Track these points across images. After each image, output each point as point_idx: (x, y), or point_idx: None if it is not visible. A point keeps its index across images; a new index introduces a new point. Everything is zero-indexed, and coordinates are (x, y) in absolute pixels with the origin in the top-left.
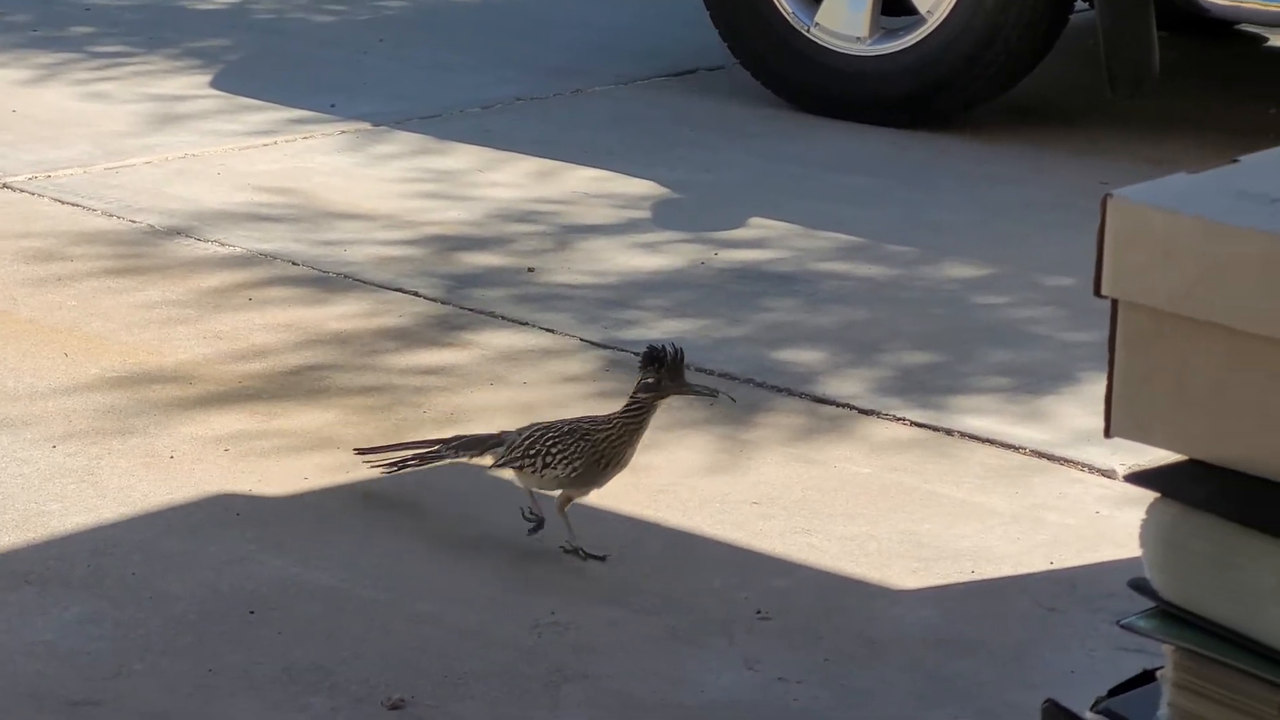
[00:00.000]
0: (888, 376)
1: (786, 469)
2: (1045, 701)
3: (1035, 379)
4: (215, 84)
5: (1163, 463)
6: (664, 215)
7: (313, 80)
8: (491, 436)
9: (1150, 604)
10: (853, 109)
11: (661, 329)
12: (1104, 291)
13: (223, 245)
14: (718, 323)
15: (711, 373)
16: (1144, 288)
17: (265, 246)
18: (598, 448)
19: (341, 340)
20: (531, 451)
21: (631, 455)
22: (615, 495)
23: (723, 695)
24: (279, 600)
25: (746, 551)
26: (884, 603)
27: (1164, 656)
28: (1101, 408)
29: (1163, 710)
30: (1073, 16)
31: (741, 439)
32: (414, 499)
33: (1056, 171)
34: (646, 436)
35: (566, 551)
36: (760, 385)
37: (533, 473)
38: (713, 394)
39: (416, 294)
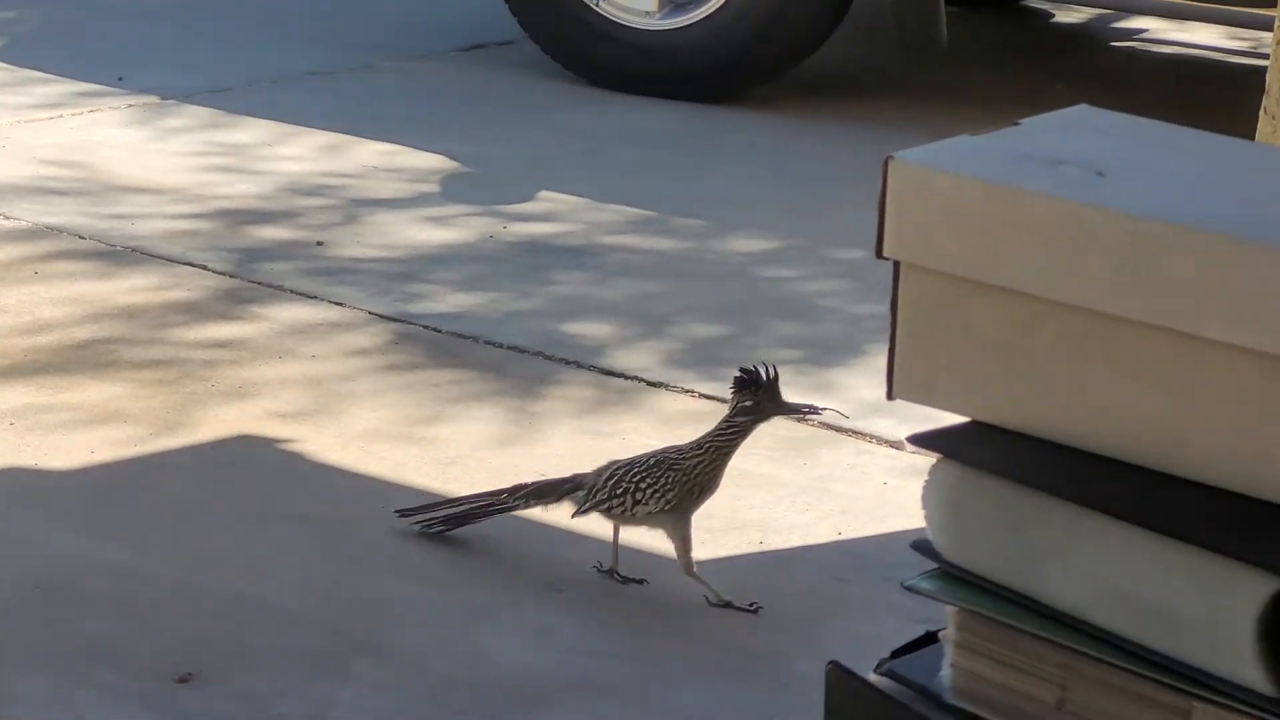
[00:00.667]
0: (677, 349)
1: (576, 441)
2: (829, 664)
3: (824, 351)
4: None
5: (945, 425)
6: (453, 189)
7: (99, 53)
8: (565, 481)
9: (933, 566)
10: (644, 84)
11: (451, 302)
12: (885, 253)
13: (7, 219)
14: (507, 296)
15: (500, 345)
16: (926, 250)
17: (52, 220)
18: (689, 475)
19: (130, 314)
20: (619, 490)
21: (721, 479)
22: (403, 467)
23: (517, 667)
24: (66, 577)
25: (536, 524)
26: (671, 574)
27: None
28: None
29: (945, 671)
30: None
31: (531, 411)
32: (205, 472)
33: (846, 145)
34: (435, 409)
35: (713, 605)
36: (549, 358)
37: (623, 513)
38: (816, 411)
39: (205, 267)
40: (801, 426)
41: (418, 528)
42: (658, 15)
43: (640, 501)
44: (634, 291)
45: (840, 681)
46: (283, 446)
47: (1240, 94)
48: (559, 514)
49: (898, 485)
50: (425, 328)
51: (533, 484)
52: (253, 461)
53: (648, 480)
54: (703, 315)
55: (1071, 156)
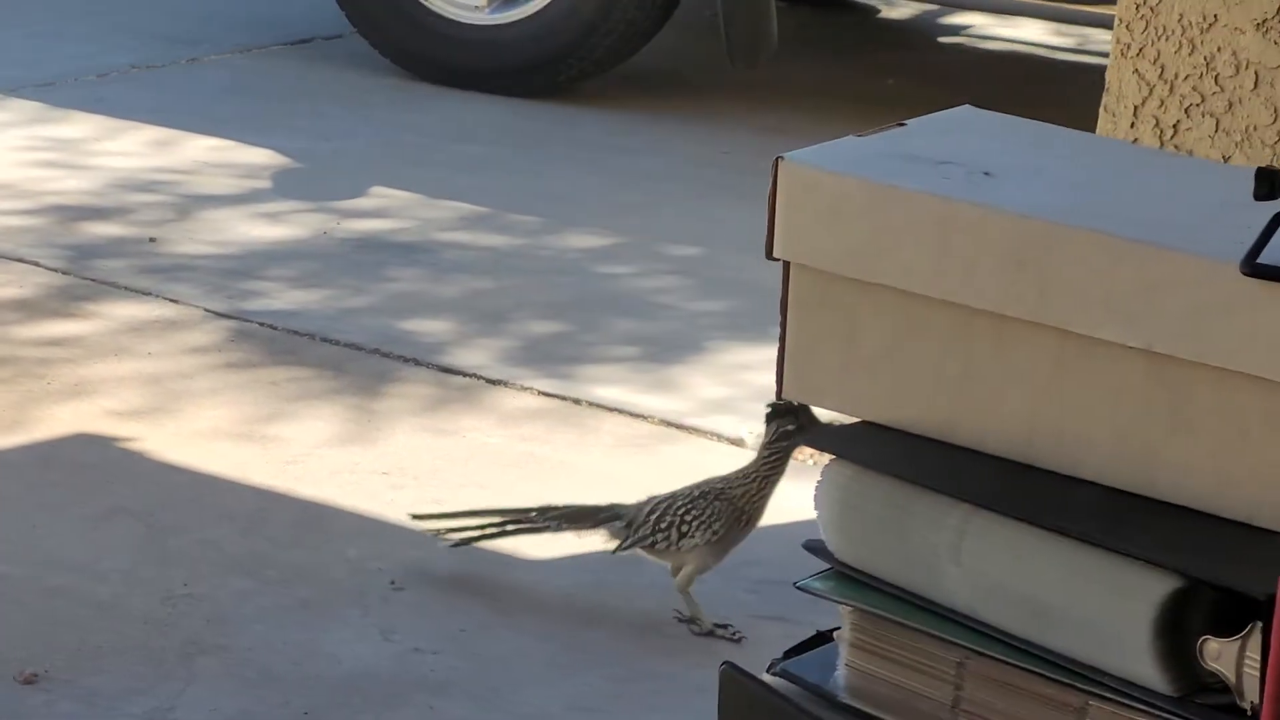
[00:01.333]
0: (515, 346)
1: (416, 439)
2: (723, 665)
3: (662, 348)
4: None
5: (839, 423)
6: (285, 184)
7: None
8: (602, 509)
9: (825, 565)
10: (474, 78)
11: (286, 299)
12: (775, 254)
13: None
14: (342, 293)
15: (337, 343)
16: (814, 250)
17: None
18: (737, 505)
19: None
20: (663, 525)
21: (766, 507)
22: (243, 465)
23: (359, 666)
24: None
25: (379, 522)
26: (519, 572)
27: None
28: (729, 376)
29: (840, 670)
30: None
31: (371, 409)
32: (43, 471)
33: (677, 142)
34: (274, 407)
35: (697, 634)
36: (387, 355)
37: (668, 547)
38: None
39: (37, 264)
40: (642, 424)
41: (433, 535)
42: (488, 9)
43: (686, 534)
44: (469, 288)
45: (734, 682)
46: (122, 445)
47: (1070, 89)
48: (401, 514)
49: None
50: (261, 324)
51: (564, 506)
52: (92, 460)
53: (693, 512)
54: (540, 312)
55: (957, 157)
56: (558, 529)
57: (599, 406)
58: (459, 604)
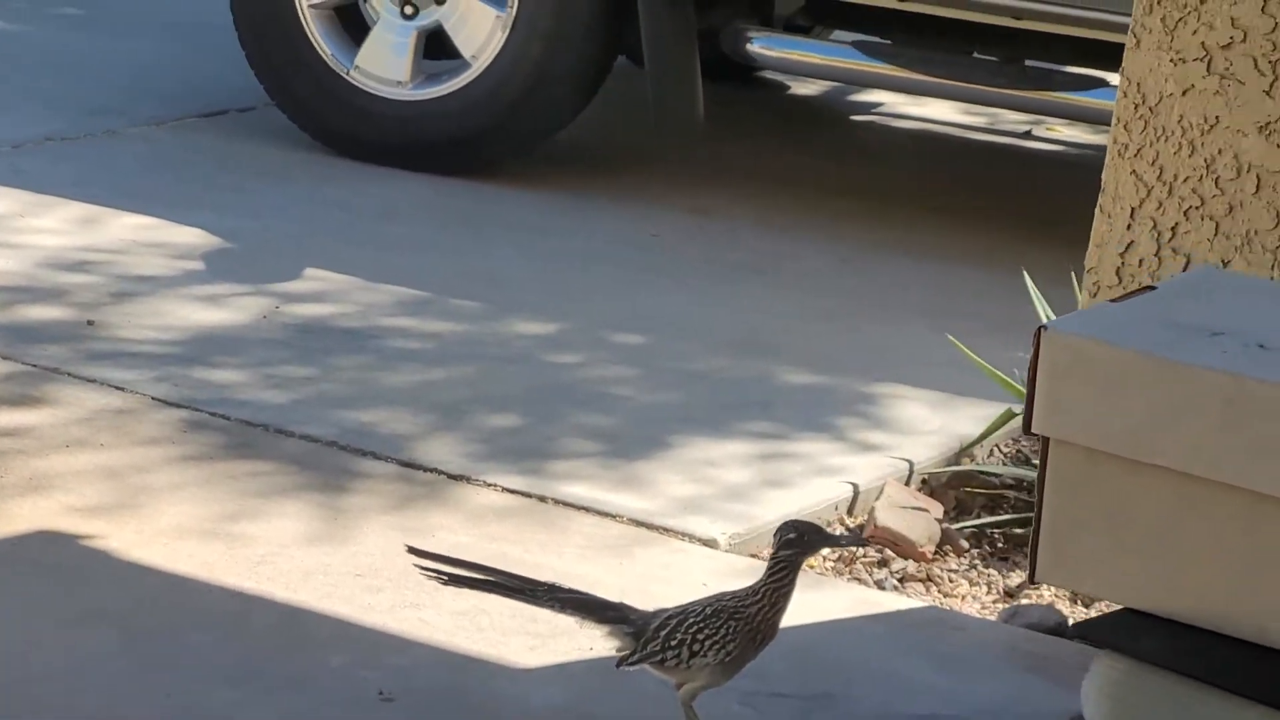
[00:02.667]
0: (473, 440)
1: (387, 539)
2: None
3: (624, 443)
4: None
5: (1106, 612)
6: (219, 265)
7: None
8: (610, 605)
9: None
10: (396, 155)
11: (236, 389)
12: (1035, 429)
13: None
14: (293, 381)
15: (293, 435)
16: (1082, 426)
17: None
18: (752, 623)
19: None
20: (673, 642)
21: (780, 623)
22: (212, 566)
23: None
24: None
25: (358, 627)
26: (505, 682)
27: None
28: (695, 473)
29: None
30: (615, 64)
31: (337, 507)
32: (6, 570)
33: (605, 221)
34: (237, 504)
35: None
36: (346, 449)
37: (678, 665)
38: (861, 543)
39: None
40: (612, 524)
41: (428, 573)
42: (411, 85)
43: (698, 654)
44: (420, 378)
45: None
46: (86, 543)
47: (983, 169)
48: (379, 618)
49: (718, 586)
50: (213, 414)
51: (571, 591)
52: (57, 560)
53: (705, 631)
54: (494, 404)
55: (1226, 327)
56: (560, 610)
57: (567, 505)
58: (453, 716)
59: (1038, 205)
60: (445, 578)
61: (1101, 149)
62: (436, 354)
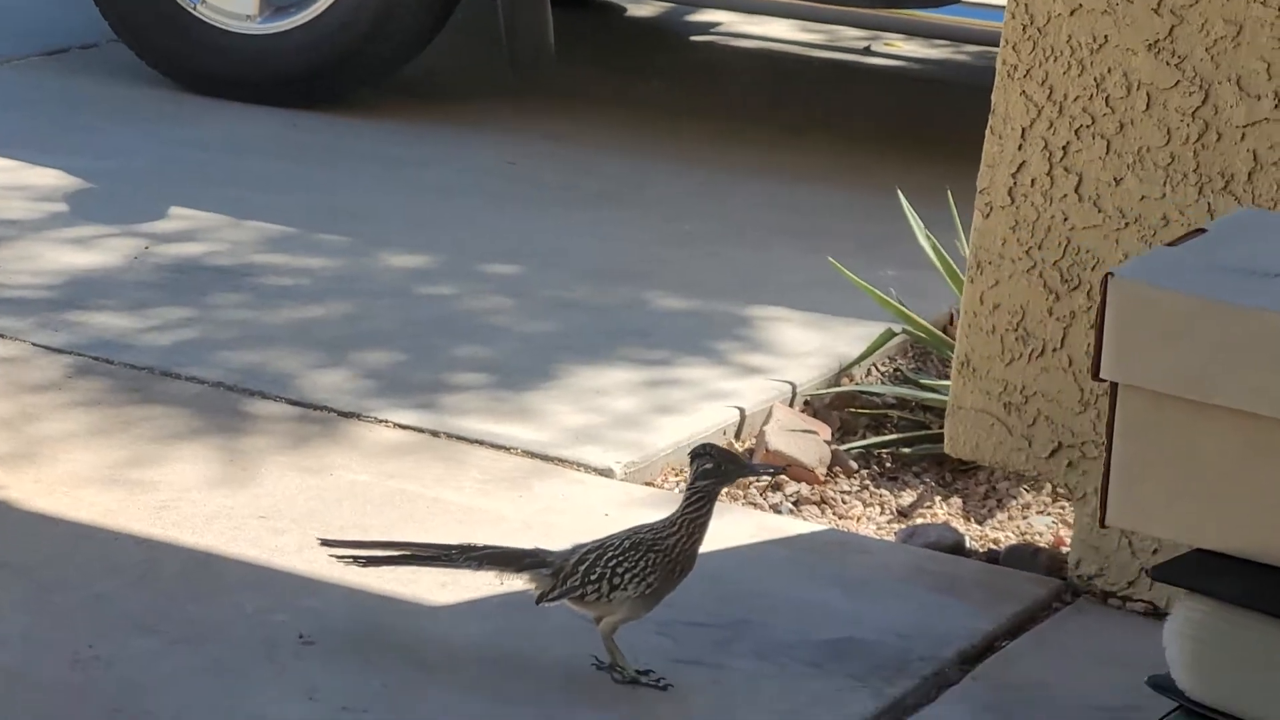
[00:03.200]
0: (360, 376)
1: (286, 479)
2: None
3: (509, 374)
4: None
5: (1183, 553)
6: (83, 207)
7: None
8: (526, 553)
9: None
10: (246, 89)
11: (117, 332)
12: (1104, 375)
13: None
14: (174, 324)
15: (180, 377)
16: (1150, 371)
17: None
18: (670, 555)
19: None
20: (593, 576)
21: (697, 554)
22: (115, 513)
23: None
24: None
25: (267, 569)
26: (424, 620)
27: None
28: (585, 402)
29: None
30: None
31: (234, 449)
32: None
33: (462, 152)
34: (134, 450)
35: (619, 682)
36: (235, 390)
37: (599, 599)
38: (779, 470)
39: None
40: (508, 457)
41: (340, 559)
42: (259, 19)
43: (618, 587)
44: (299, 316)
45: None
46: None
47: (832, 89)
48: (288, 560)
49: (619, 516)
50: (98, 359)
51: (485, 548)
52: None
53: (624, 565)
54: (376, 339)
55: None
56: (478, 568)
57: (461, 439)
58: (373, 658)
59: (887, 121)
60: (362, 560)
61: (941, 62)
62: (312, 291)
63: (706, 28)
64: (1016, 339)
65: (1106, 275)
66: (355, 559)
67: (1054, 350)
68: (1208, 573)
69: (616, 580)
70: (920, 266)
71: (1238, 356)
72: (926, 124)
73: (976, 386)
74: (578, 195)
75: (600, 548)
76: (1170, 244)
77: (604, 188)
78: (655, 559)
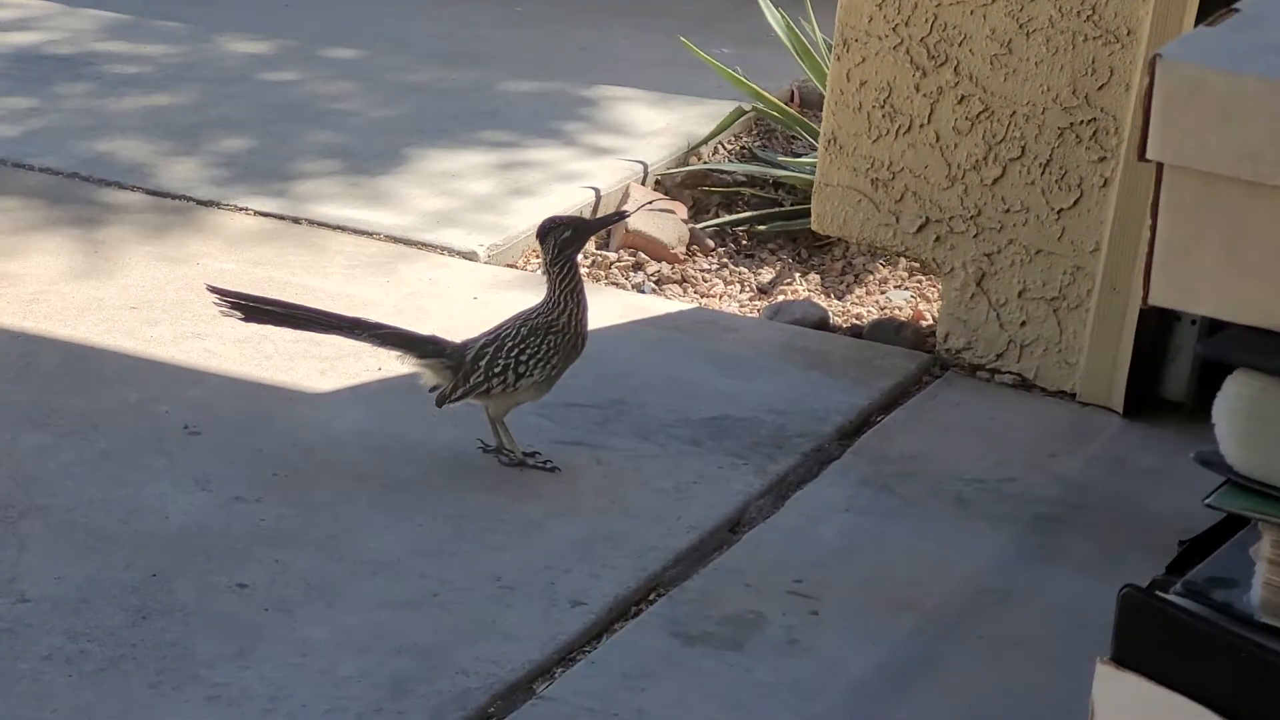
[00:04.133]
0: (214, 164)
1: (153, 270)
2: (1123, 588)
3: (363, 159)
4: None
5: (1230, 330)
6: None
7: None
8: (426, 339)
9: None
10: None
11: None
12: (1151, 155)
13: None
14: (20, 114)
15: (33, 168)
16: (1200, 152)
17: None
18: (569, 332)
19: None
20: (496, 369)
21: (588, 322)
22: None
23: (189, 520)
24: None
25: (146, 361)
26: (306, 408)
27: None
28: (440, 186)
29: (1257, 589)
30: None
31: (95, 239)
32: None
33: None
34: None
35: (506, 464)
36: (90, 180)
37: (505, 390)
38: (624, 215)
39: None
40: (371, 242)
41: (224, 308)
42: None
43: (524, 374)
44: (146, 104)
45: (1137, 604)
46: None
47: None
48: (165, 350)
49: (487, 299)
50: None
51: (383, 325)
52: None
53: (526, 352)
54: (225, 126)
55: None
56: (380, 345)
57: (322, 225)
58: (261, 446)
59: None
60: (243, 314)
61: None
62: (156, 78)
63: None
64: (883, 116)
65: (1155, 56)
66: (238, 308)
67: (921, 126)
68: (1258, 349)
69: (522, 368)
70: (756, 43)
71: None
72: None
73: (844, 163)
74: None
75: (497, 339)
76: (1209, 24)
77: None
78: (555, 340)
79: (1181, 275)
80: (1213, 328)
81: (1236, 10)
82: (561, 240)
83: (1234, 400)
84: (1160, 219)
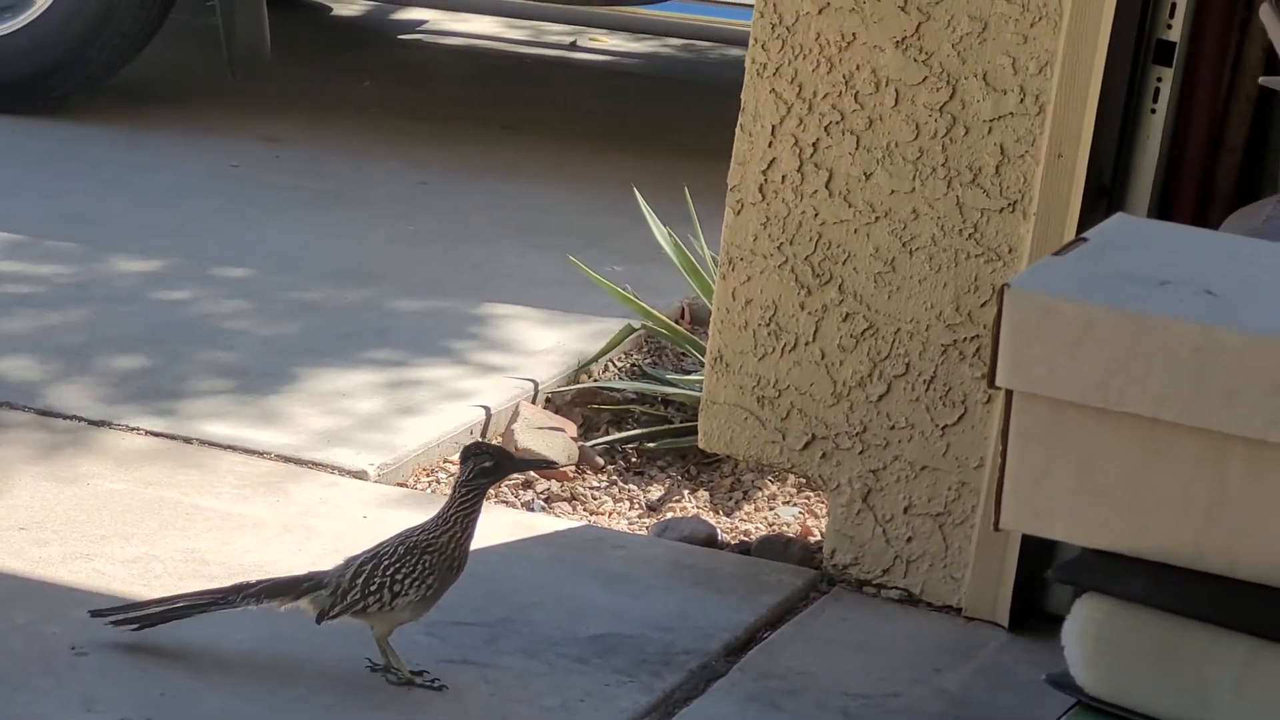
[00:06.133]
0: (105, 384)
1: (42, 490)
2: None
3: (252, 378)
4: None
5: (1080, 554)
6: None
7: None
8: (303, 579)
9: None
10: None
11: None
12: (1000, 383)
13: None
14: None
15: None
16: (1048, 379)
17: None
18: (446, 553)
19: None
20: (373, 587)
21: (470, 547)
22: None
23: None
24: None
25: (34, 582)
26: (194, 627)
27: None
28: (330, 405)
29: None
30: None
31: None
32: None
33: (185, 155)
34: None
35: (394, 684)
36: None
37: (381, 609)
38: (551, 464)
39: None
40: (261, 461)
41: (115, 626)
42: None
43: (400, 594)
44: (38, 324)
45: None
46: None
47: (543, 85)
48: (53, 571)
49: (378, 517)
50: None
51: (259, 583)
52: None
53: (403, 570)
54: (116, 345)
55: (1167, 275)
56: (259, 603)
57: (212, 444)
58: (149, 667)
59: (604, 116)
60: (136, 625)
61: (648, 56)
62: (49, 298)
63: (413, 26)
64: (769, 334)
65: (1003, 286)
66: (131, 623)
67: (806, 344)
68: (1107, 572)
69: (397, 587)
70: (646, 260)
71: (1143, 364)
72: (643, 119)
73: (730, 381)
74: (304, 195)
75: (375, 557)
76: (1057, 254)
77: (329, 188)
78: (432, 560)
79: (1033, 500)
80: None
81: (1085, 240)
82: (480, 468)
83: (1083, 624)
84: (1011, 445)
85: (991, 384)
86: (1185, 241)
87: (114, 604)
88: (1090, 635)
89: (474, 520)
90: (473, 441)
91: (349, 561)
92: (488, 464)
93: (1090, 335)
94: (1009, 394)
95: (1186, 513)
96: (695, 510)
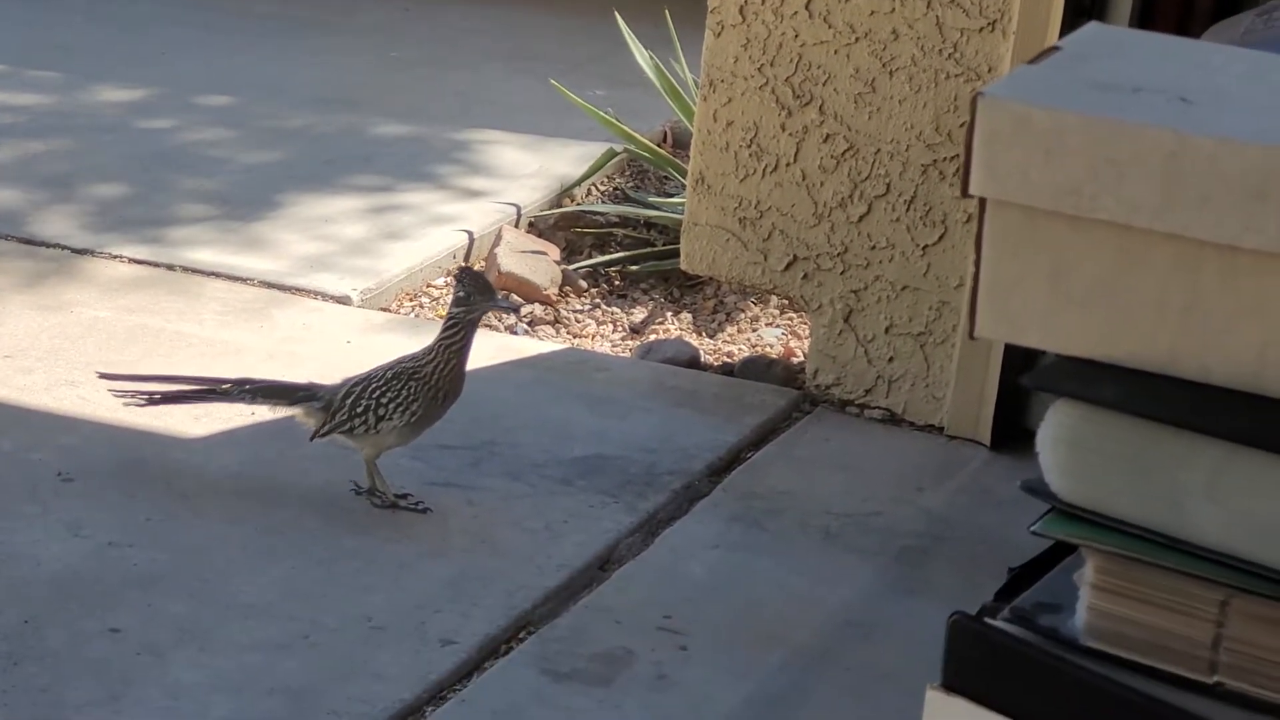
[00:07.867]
0: (88, 212)
1: (26, 318)
2: (953, 615)
3: (236, 205)
4: None
5: (1054, 361)
6: None
7: None
8: (300, 387)
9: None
10: None
11: None
12: (973, 191)
13: None
14: None
15: None
16: (1022, 187)
17: None
18: (431, 382)
19: None
20: (359, 409)
21: (463, 379)
22: None
23: (61, 567)
24: None
25: (18, 409)
26: (180, 453)
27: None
28: (314, 230)
29: (1081, 614)
30: None
31: None
32: None
33: None
34: None
35: (379, 507)
36: None
37: (367, 431)
38: (515, 308)
39: None
40: (245, 288)
41: (119, 396)
42: None
43: (384, 417)
44: (20, 151)
45: (965, 630)
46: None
47: None
48: (38, 398)
49: (361, 343)
50: None
51: (260, 381)
52: None
53: (388, 395)
54: (99, 174)
55: (1140, 82)
56: (253, 401)
57: (196, 271)
58: (134, 492)
59: None
60: (143, 399)
61: None
62: (30, 127)
63: None
64: (750, 155)
65: (975, 95)
66: (136, 396)
67: (787, 165)
68: (1080, 378)
69: (382, 410)
70: (629, 85)
71: (1116, 171)
72: None
73: (711, 203)
74: (287, 23)
75: (365, 380)
76: (1030, 62)
77: (309, 15)
78: (417, 387)
79: (1007, 309)
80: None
81: (1058, 49)
82: (455, 297)
83: (1057, 429)
84: (985, 254)
85: (965, 192)
86: (1159, 50)
87: (99, 431)
88: (1064, 441)
89: (461, 352)
90: (462, 267)
91: (344, 382)
92: (460, 294)
93: (1063, 142)
94: (982, 202)
95: (1159, 319)
96: (678, 332)
